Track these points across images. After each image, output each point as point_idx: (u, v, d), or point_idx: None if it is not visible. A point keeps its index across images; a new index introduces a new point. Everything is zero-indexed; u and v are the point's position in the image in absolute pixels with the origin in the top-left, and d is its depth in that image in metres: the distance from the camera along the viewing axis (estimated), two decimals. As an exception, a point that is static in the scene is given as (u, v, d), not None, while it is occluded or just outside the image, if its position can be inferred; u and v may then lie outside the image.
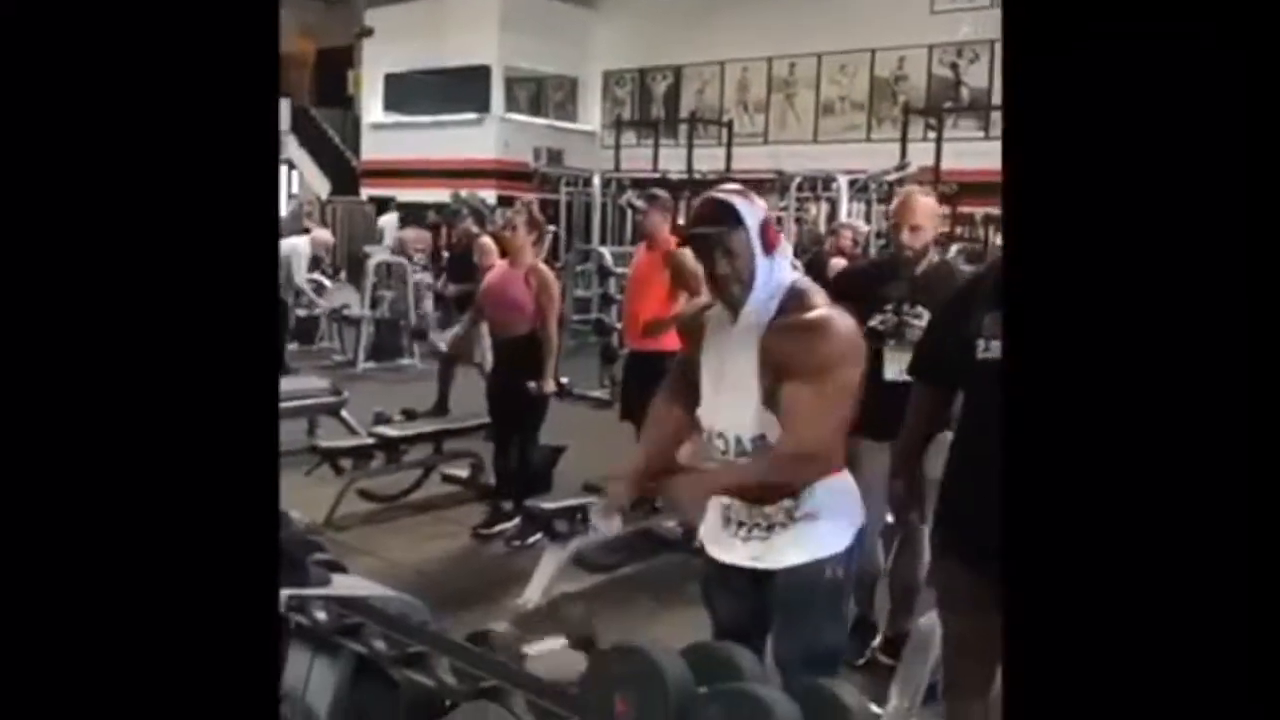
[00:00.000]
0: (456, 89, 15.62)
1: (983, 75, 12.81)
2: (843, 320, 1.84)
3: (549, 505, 3.77)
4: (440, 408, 6.30)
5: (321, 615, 1.69)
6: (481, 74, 15.52)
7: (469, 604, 3.48)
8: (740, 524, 1.93)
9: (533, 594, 3.59)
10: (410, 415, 5.46)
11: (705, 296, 4.47)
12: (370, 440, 4.73)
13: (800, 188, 10.46)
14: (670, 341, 4.41)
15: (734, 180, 11.21)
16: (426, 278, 9.02)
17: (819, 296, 1.88)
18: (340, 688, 1.73)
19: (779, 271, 1.88)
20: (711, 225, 1.86)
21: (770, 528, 1.89)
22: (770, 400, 1.82)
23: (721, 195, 1.89)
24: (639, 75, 16.21)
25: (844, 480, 1.94)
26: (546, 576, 3.65)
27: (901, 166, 10.08)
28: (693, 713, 1.18)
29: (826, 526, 1.91)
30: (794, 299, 1.86)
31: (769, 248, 1.86)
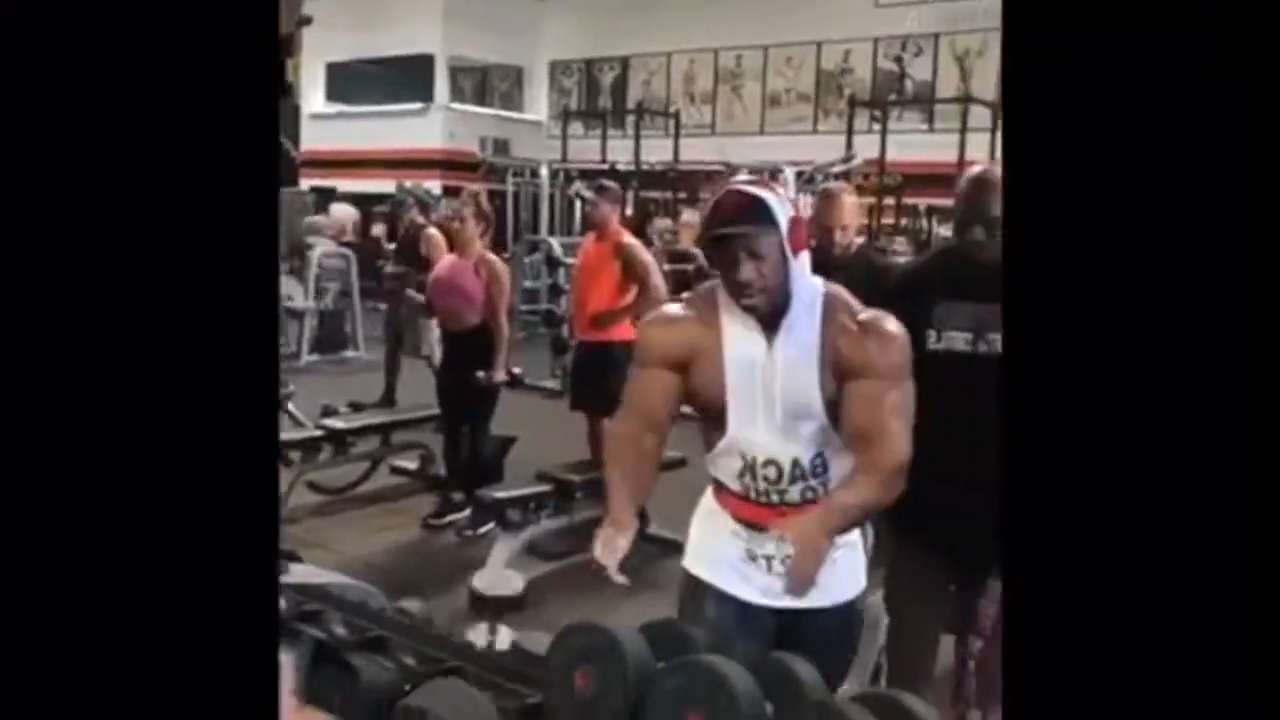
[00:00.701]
0: (400, 78, 15.42)
1: (926, 69, 13.00)
2: (898, 324, 1.66)
3: (502, 494, 3.78)
4: (387, 399, 6.26)
5: (280, 603, 1.68)
6: (425, 63, 15.34)
7: (422, 594, 3.47)
8: (769, 558, 1.69)
9: (485, 581, 3.60)
10: (357, 407, 5.41)
11: (660, 288, 4.50)
12: (318, 433, 4.68)
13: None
14: (620, 332, 4.48)
15: (682, 171, 11.16)
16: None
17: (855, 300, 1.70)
18: (298, 674, 1.72)
19: (808, 272, 1.66)
20: (737, 225, 1.58)
21: None
22: (831, 410, 1.63)
23: (750, 188, 1.61)
24: (585, 65, 16.16)
25: None
26: (499, 565, 3.65)
27: (847, 159, 10.20)
28: (652, 685, 1.20)
29: (859, 554, 1.78)
30: (835, 300, 1.66)
31: (798, 246, 1.61)
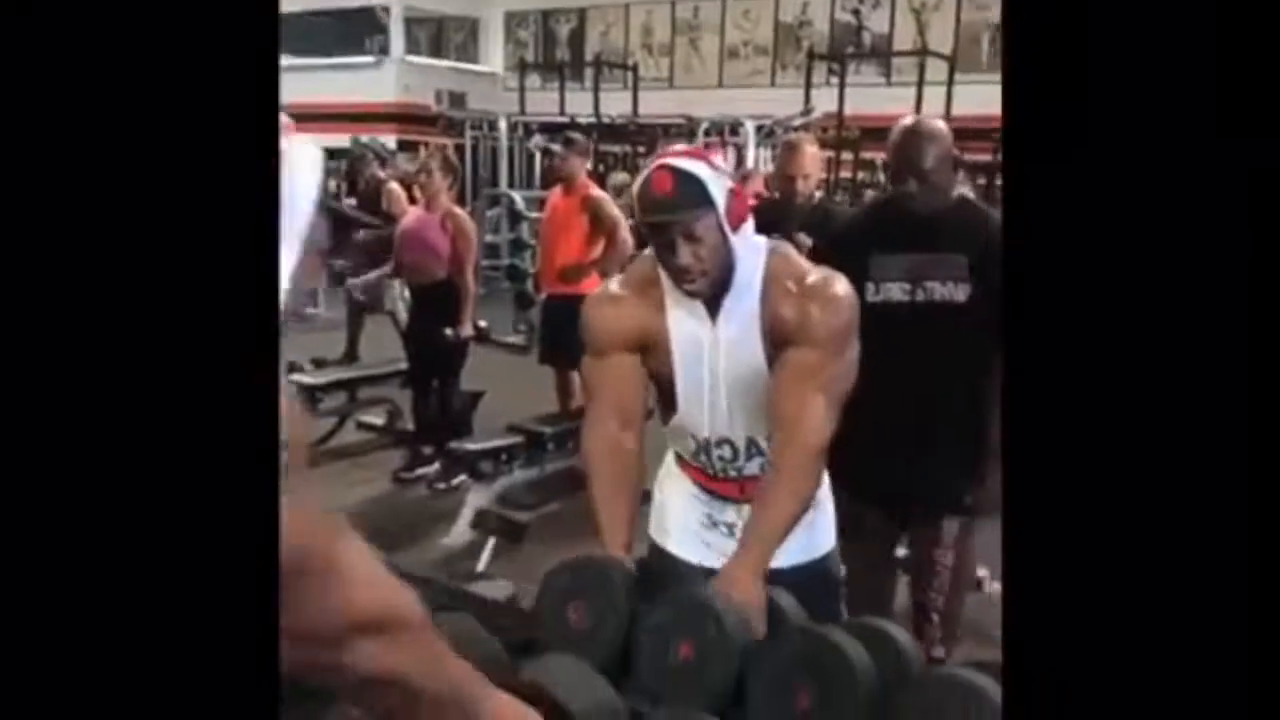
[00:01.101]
0: (353, 30, 15.11)
1: (884, 21, 13.01)
2: (848, 287, 1.53)
3: (473, 446, 3.82)
4: (350, 355, 6.24)
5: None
6: (379, 14, 15.04)
7: (396, 547, 3.52)
8: (730, 525, 1.64)
9: (459, 534, 3.66)
10: (320, 364, 5.41)
11: (627, 242, 4.52)
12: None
13: (708, 133, 10.52)
14: (589, 285, 4.51)
15: (640, 124, 11.03)
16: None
17: (799, 255, 1.60)
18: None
19: (751, 241, 1.55)
20: (671, 211, 1.46)
21: None
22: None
23: (680, 164, 1.47)
24: (542, 17, 15.93)
25: None
26: (472, 517, 3.71)
27: (806, 112, 10.22)
28: (643, 615, 1.26)
29: (828, 512, 1.72)
30: (780, 265, 1.55)
31: (737, 220, 1.49)
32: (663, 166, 1.47)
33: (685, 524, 1.70)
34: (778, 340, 1.52)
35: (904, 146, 2.09)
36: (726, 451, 1.62)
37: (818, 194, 3.53)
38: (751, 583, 1.34)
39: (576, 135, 4.81)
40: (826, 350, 1.47)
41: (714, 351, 1.55)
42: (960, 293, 2.09)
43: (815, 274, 1.53)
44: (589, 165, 4.65)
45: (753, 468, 1.62)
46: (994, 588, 3.14)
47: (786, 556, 1.50)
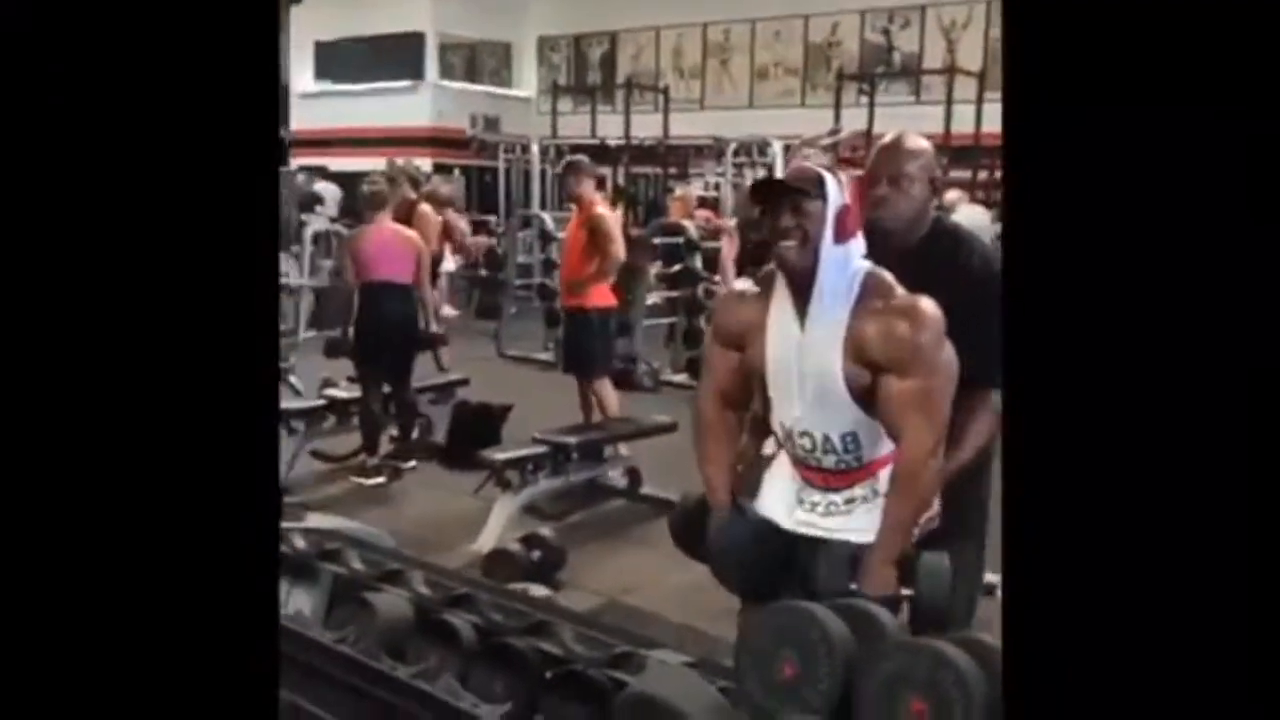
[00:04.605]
0: (389, 56, 15.39)
1: (913, 40, 13.04)
2: (934, 305, 1.70)
3: (501, 456, 3.91)
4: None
5: (301, 544, 1.81)
6: (415, 40, 15.31)
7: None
8: (815, 505, 1.85)
9: (486, 541, 3.73)
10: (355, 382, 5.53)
11: (617, 256, 4.91)
12: (321, 402, 4.84)
13: (736, 153, 10.59)
14: (593, 298, 4.74)
15: (671, 146, 11.12)
16: None
17: (898, 284, 1.75)
18: (317, 611, 1.85)
19: (853, 262, 1.74)
20: (791, 183, 1.75)
21: (850, 502, 1.81)
22: (861, 396, 1.72)
23: (814, 165, 1.81)
24: (574, 41, 16.15)
25: None
26: (499, 525, 3.79)
27: (834, 131, 10.25)
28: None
29: (877, 505, 1.86)
30: (874, 284, 1.72)
31: (842, 234, 1.71)
32: (800, 163, 1.86)
33: (780, 497, 1.90)
34: (862, 358, 1.70)
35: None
36: (807, 443, 1.80)
37: None
38: (882, 573, 1.69)
39: (578, 157, 5.08)
40: (912, 368, 1.67)
41: (800, 350, 1.75)
42: None
43: (902, 296, 1.71)
44: (593, 184, 4.91)
45: (829, 462, 1.81)
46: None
47: (862, 532, 1.76)
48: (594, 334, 4.76)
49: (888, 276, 1.74)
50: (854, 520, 1.80)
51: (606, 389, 4.78)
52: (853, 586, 1.69)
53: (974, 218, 8.08)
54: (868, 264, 1.75)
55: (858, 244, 1.75)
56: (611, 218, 4.87)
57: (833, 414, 1.74)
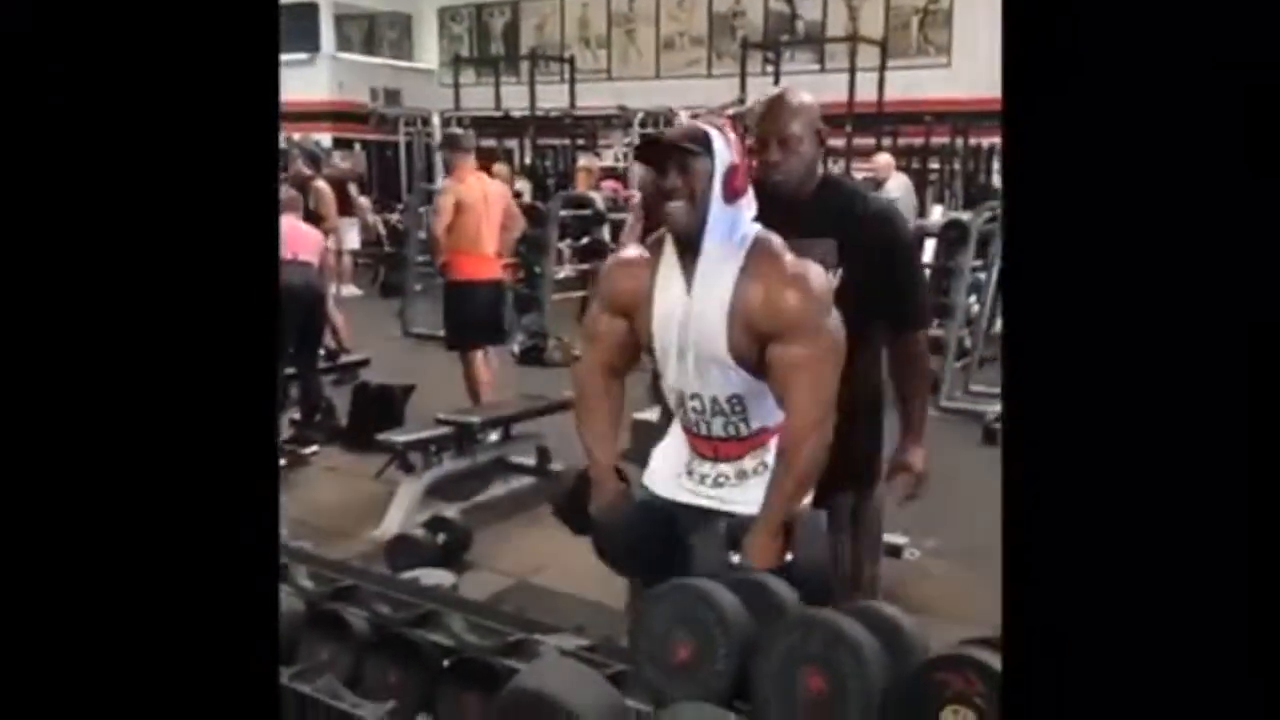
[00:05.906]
0: (284, 27, 14.82)
1: (817, 9, 13.09)
2: (822, 273, 1.70)
3: (404, 438, 3.79)
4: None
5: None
6: (310, 11, 14.77)
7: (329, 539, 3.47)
8: (704, 476, 1.82)
9: (389, 526, 3.62)
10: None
11: (432, 226, 5.27)
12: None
13: (643, 123, 10.52)
14: (458, 265, 4.79)
15: (578, 117, 11.01)
16: None
17: (788, 250, 1.71)
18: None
19: (743, 224, 1.69)
20: (676, 141, 1.68)
21: (742, 475, 1.78)
22: (748, 361, 1.68)
23: (702, 123, 1.72)
24: (475, 11, 15.79)
25: None
26: (404, 508, 3.67)
27: (739, 101, 10.25)
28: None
29: None
30: (763, 249, 1.68)
31: (731, 194, 1.66)
32: (688, 122, 1.78)
33: (669, 469, 1.88)
34: (747, 323, 1.65)
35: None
36: (697, 405, 1.77)
37: None
38: (766, 542, 1.63)
39: (455, 131, 5.40)
40: (800, 334, 1.64)
41: (686, 314, 1.70)
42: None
43: (791, 262, 1.67)
44: (471, 159, 4.98)
45: (717, 427, 1.77)
46: (913, 554, 3.21)
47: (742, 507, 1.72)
48: (447, 302, 4.98)
49: (777, 241, 1.70)
50: (744, 493, 1.76)
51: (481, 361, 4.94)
52: (735, 560, 1.64)
53: (904, 187, 8.24)
54: (757, 227, 1.71)
55: (748, 203, 1.70)
56: (443, 191, 5.00)
57: (719, 376, 1.71)
